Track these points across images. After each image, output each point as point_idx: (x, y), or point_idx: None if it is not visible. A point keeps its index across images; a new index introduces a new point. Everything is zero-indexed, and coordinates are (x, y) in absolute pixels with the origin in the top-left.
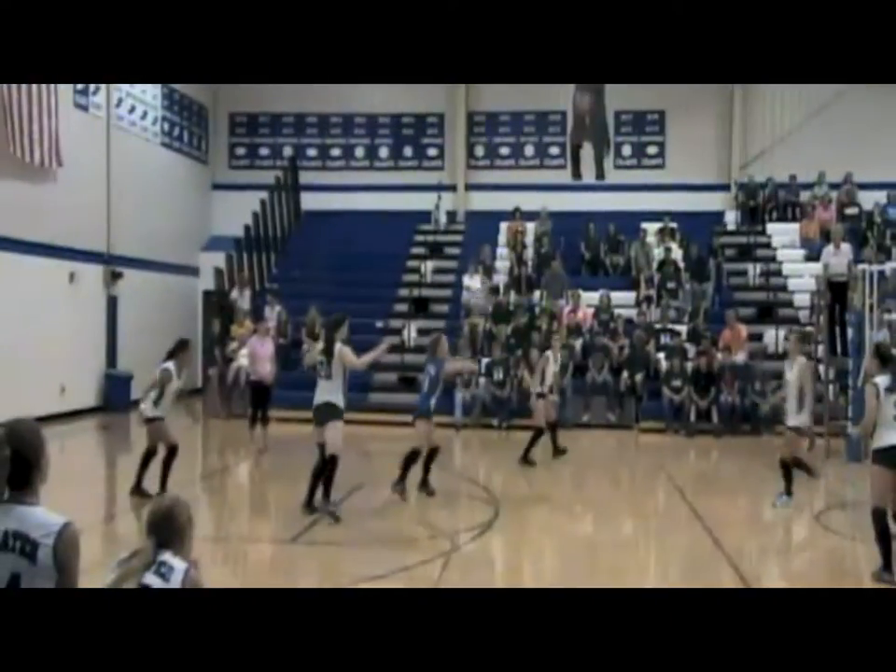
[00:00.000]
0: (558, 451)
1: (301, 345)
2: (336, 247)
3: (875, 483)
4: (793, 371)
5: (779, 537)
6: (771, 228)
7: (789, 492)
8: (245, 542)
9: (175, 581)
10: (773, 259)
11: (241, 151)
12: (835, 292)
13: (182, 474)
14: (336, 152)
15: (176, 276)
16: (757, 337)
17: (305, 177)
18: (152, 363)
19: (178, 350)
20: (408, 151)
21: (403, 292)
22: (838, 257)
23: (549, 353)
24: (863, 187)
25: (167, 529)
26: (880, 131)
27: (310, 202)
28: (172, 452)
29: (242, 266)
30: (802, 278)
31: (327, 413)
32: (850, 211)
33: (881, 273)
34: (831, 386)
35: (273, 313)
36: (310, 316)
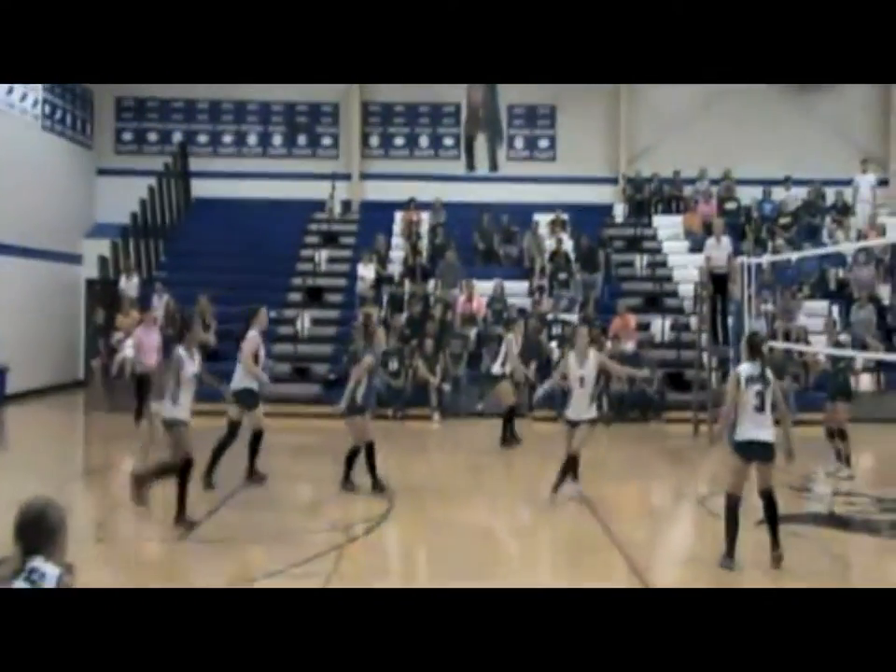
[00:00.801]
0: (513, 438)
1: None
2: (228, 235)
3: (730, 472)
4: (589, 367)
5: (667, 522)
6: (657, 221)
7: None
8: (132, 542)
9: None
10: (658, 250)
11: (128, 136)
12: (717, 283)
13: (62, 471)
14: (228, 139)
15: (57, 264)
16: (644, 326)
17: (196, 164)
18: (31, 354)
19: (183, 329)
20: (302, 140)
21: (297, 281)
22: (719, 249)
23: (510, 335)
24: (742, 182)
25: (37, 533)
26: (758, 128)
27: (201, 189)
28: (187, 466)
29: (128, 254)
30: (686, 269)
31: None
32: (730, 206)
33: (758, 265)
34: (713, 374)
35: (160, 302)
36: (199, 305)
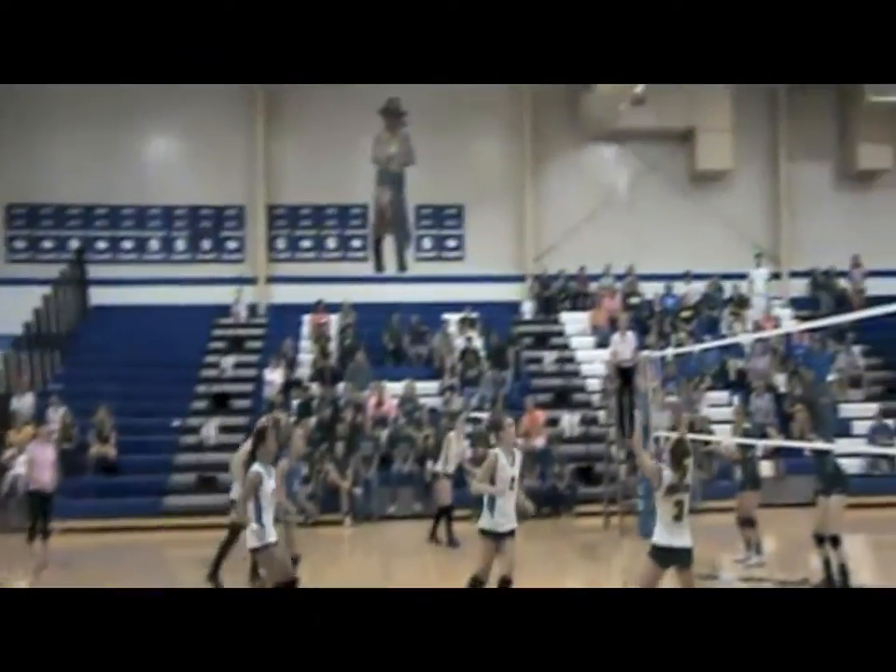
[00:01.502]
0: (451, 541)
1: (89, 448)
2: (128, 343)
3: (642, 574)
4: (517, 466)
5: None
6: (564, 317)
7: None
8: None
9: None
10: (566, 346)
11: (20, 245)
12: (623, 376)
13: None
14: (128, 245)
15: None
16: (553, 422)
17: (95, 271)
18: None
19: (258, 441)
20: (206, 244)
21: (202, 388)
22: (624, 343)
23: (452, 434)
24: (645, 278)
25: None
26: (658, 225)
27: (99, 296)
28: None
29: (20, 368)
30: (593, 364)
31: None
32: (633, 300)
33: (662, 357)
34: (622, 466)
35: (56, 415)
36: (98, 417)
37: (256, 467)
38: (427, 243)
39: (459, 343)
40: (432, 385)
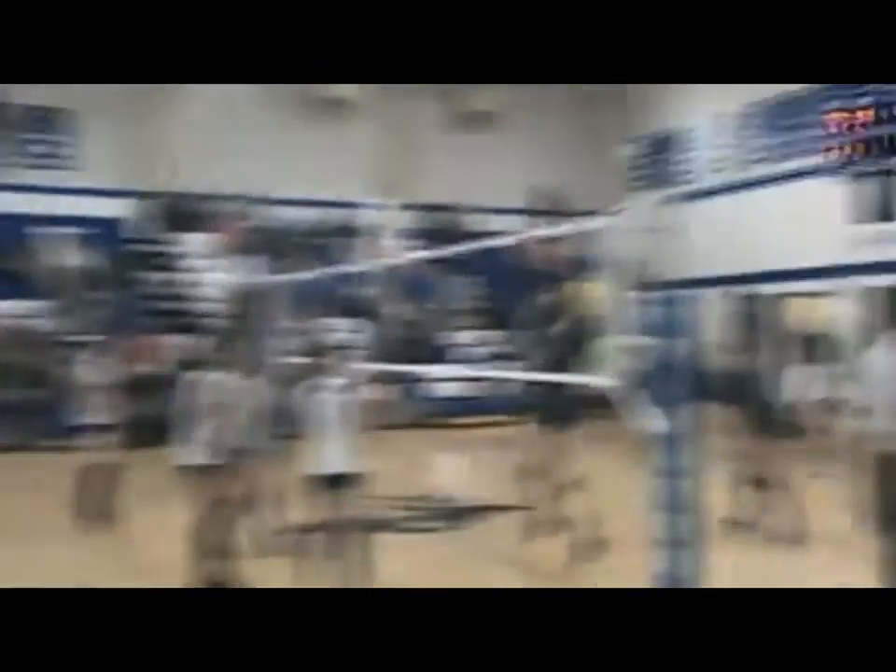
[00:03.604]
0: None
1: None
2: None
3: None
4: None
5: None
6: (186, 238)
7: None
8: None
9: None
10: (188, 269)
11: None
12: (248, 302)
13: None
14: None
15: None
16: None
17: None
18: None
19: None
20: None
21: None
22: (246, 267)
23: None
24: (273, 203)
25: None
26: (289, 150)
27: None
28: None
29: None
30: (216, 288)
31: None
32: (257, 224)
33: (287, 284)
34: None
35: None
36: None
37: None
38: (36, 149)
39: (67, 260)
40: (34, 305)
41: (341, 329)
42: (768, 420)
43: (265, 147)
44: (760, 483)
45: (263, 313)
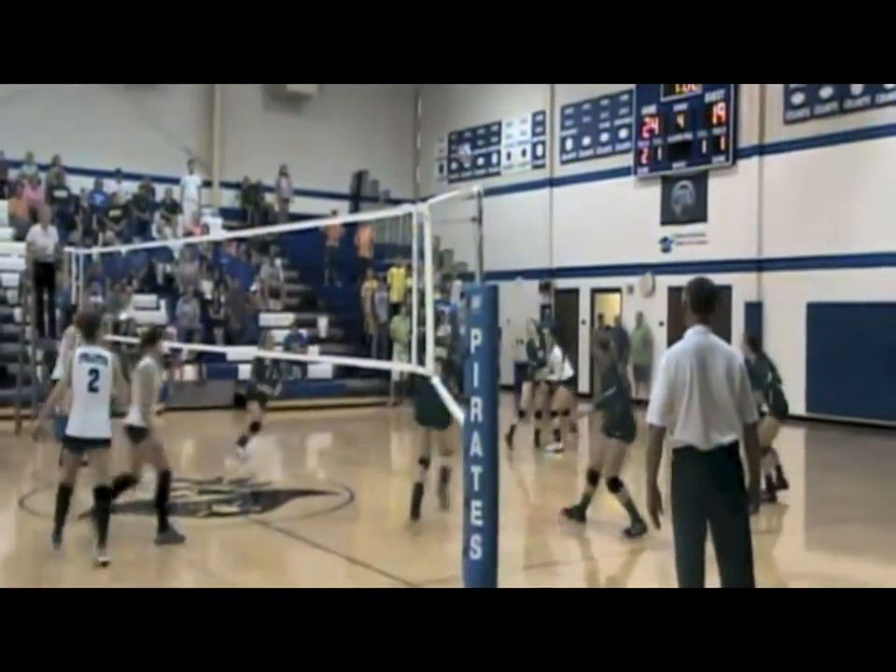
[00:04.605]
0: None
1: None
2: None
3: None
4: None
5: None
6: None
7: None
8: None
9: None
10: None
11: None
12: (44, 272)
13: None
14: None
15: None
16: None
17: None
18: None
19: (151, 341)
20: None
21: None
22: (46, 237)
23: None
24: (72, 171)
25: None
26: (88, 119)
27: None
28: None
29: None
30: (10, 258)
31: None
32: (59, 193)
33: (88, 256)
34: (39, 367)
35: None
36: None
37: (149, 361)
38: None
39: None
40: None
41: (150, 305)
42: None
43: (69, 116)
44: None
45: (65, 285)
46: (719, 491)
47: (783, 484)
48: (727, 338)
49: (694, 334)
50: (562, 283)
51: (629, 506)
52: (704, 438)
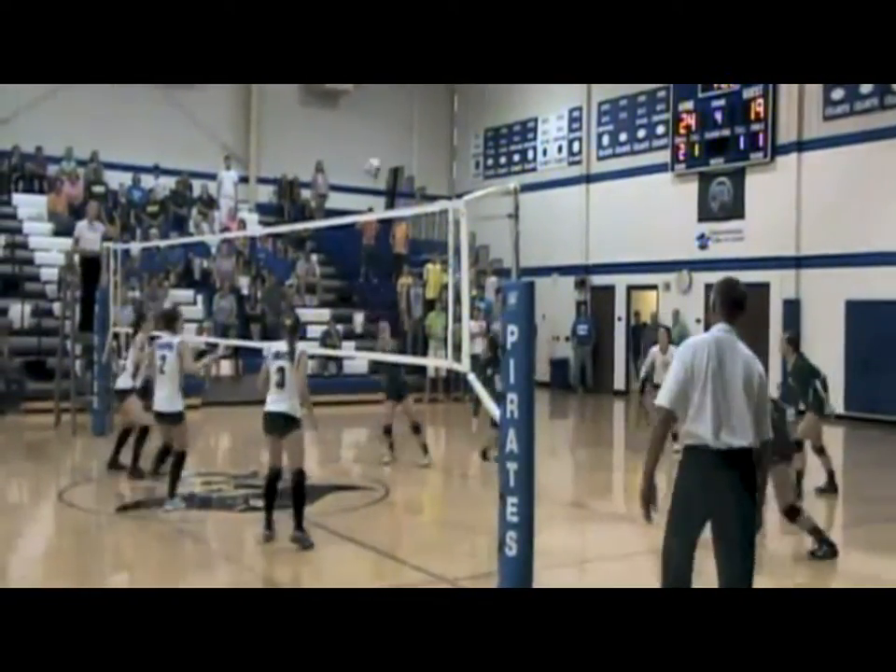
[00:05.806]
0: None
1: None
2: None
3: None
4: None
5: (28, 519)
6: (16, 199)
7: None
8: None
9: None
10: (19, 230)
11: None
12: (88, 268)
13: None
14: None
15: None
16: (1, 312)
17: None
18: None
19: (173, 320)
20: None
21: None
22: (93, 232)
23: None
24: (110, 167)
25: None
26: (126, 115)
27: None
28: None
29: None
30: (50, 252)
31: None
32: (98, 189)
33: (126, 251)
34: (78, 361)
35: None
36: None
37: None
38: None
39: None
40: None
41: (188, 300)
42: None
43: (107, 112)
44: None
45: (105, 281)
46: (724, 492)
47: (833, 488)
48: (765, 336)
49: (718, 331)
50: (598, 279)
51: (815, 531)
52: (714, 434)
